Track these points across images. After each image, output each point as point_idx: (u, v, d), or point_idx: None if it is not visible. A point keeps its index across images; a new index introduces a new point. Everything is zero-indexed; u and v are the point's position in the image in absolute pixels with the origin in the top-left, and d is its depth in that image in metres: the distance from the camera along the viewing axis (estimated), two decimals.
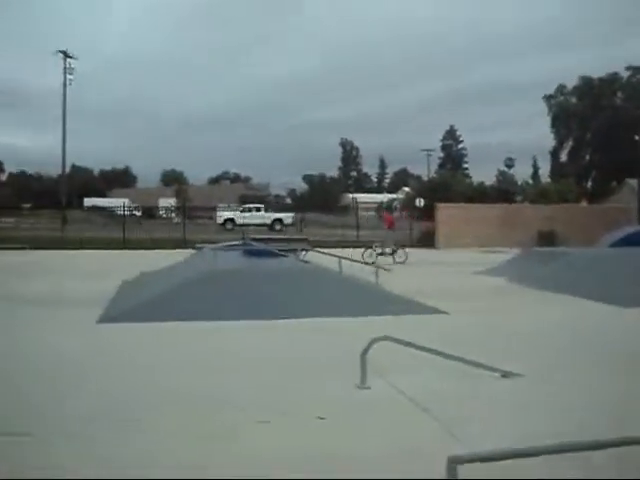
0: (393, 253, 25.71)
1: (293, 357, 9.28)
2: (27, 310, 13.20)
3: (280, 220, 57.69)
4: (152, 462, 5.30)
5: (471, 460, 4.57)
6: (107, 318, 12.09)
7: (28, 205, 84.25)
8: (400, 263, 23.01)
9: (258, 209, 62.90)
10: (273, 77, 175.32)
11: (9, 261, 25.68)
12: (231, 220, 57.64)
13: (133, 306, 12.91)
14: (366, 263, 21.22)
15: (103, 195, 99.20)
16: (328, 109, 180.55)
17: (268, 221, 56.15)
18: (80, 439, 5.79)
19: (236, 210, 62.49)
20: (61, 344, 9.94)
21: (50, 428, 6.08)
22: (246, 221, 55.95)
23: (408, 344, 7.86)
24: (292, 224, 57.23)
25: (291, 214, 61.37)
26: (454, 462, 4.41)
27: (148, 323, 11.40)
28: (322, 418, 6.43)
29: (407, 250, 25.39)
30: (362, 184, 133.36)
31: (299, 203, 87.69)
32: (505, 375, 7.90)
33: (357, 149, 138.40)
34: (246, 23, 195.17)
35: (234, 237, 28.77)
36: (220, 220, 58.31)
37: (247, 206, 64.28)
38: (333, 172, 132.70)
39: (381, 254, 25.07)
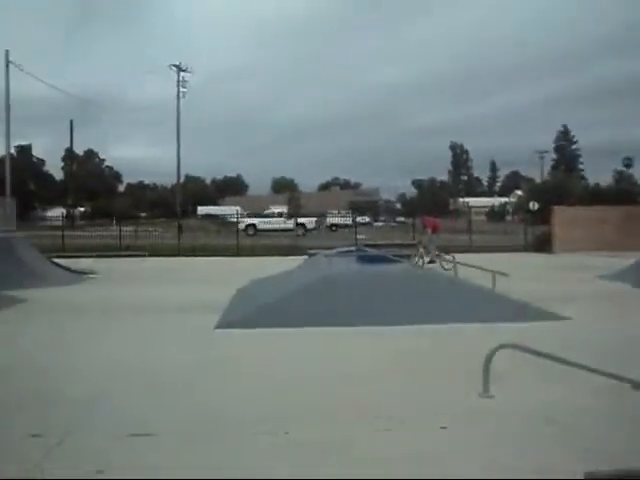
0: (425, 257, 24.18)
1: (413, 364, 9.13)
2: (148, 316, 13.58)
3: (303, 225, 57.35)
4: (271, 468, 5.30)
5: (609, 477, 4.33)
6: (224, 324, 12.25)
7: (145, 214, 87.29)
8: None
9: (280, 214, 62.95)
10: (384, 83, 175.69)
11: (130, 268, 26.55)
12: (252, 226, 57.86)
13: (249, 312, 13.04)
14: None
15: (215, 203, 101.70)
16: (438, 113, 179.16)
17: (290, 226, 55.87)
18: (200, 440, 5.86)
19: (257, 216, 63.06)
20: (181, 350, 10.16)
21: (176, 429, 6.20)
22: (267, 226, 56.41)
23: (531, 351, 7.58)
24: (315, 229, 56.98)
25: (313, 219, 61.49)
26: (590, 478, 4.19)
27: (264, 329, 11.49)
28: (444, 427, 6.28)
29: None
30: (473, 188, 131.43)
31: (409, 208, 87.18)
32: (635, 386, 7.49)
33: (467, 152, 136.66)
34: (357, 31, 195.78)
35: (346, 243, 28.80)
36: (242, 226, 58.73)
37: (269, 211, 64.50)
38: (443, 176, 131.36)
39: (431, 261, 23.91)
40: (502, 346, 7.57)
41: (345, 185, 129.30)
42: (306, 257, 23.83)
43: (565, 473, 4.88)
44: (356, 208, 73.02)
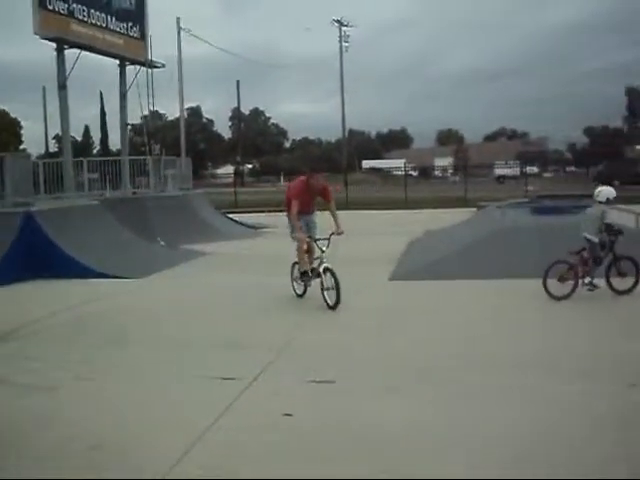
0: None
1: (601, 316, 8.91)
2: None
3: None
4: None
5: None
6: (397, 276, 12.40)
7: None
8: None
9: None
10: (553, 24, 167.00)
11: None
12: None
13: (420, 264, 13.12)
14: None
15: (380, 157, 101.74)
16: (611, 55, 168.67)
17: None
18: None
19: None
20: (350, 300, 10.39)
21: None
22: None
23: None
24: None
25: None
26: None
27: (437, 281, 11.53)
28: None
29: None
30: None
31: (580, 157, 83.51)
32: None
33: None
34: None
35: (517, 195, 28.10)
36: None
37: None
38: (617, 123, 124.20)
39: None
40: None
41: (512, 135, 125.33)
42: (475, 209, 23.49)
43: None
44: (524, 159, 70.50)
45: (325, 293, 9.77)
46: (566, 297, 9.69)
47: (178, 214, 21.10)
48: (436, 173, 75.61)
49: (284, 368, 6.87)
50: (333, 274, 9.60)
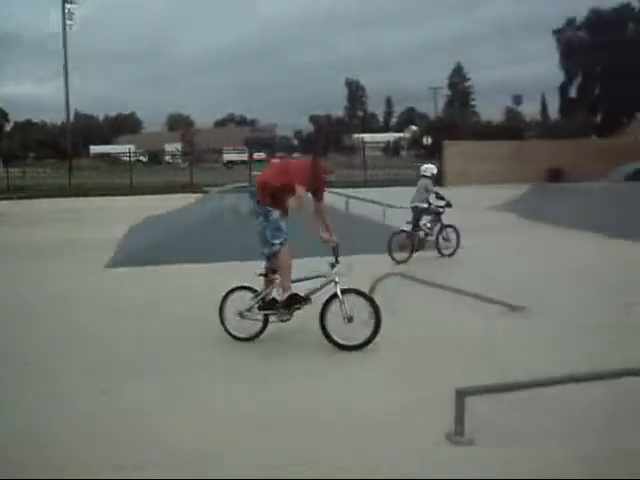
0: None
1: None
2: (44, 256, 13.40)
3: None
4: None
5: (478, 392, 4.57)
6: (114, 263, 12.15)
7: (33, 154, 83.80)
8: None
9: None
10: (279, 16, 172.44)
11: (21, 210, 25.71)
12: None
13: (137, 251, 12.98)
14: None
15: (109, 142, 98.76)
16: (334, 49, 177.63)
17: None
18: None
19: None
20: (70, 288, 10.02)
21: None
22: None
23: (416, 279, 7.82)
24: None
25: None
26: (462, 394, 4.41)
27: (152, 266, 11.52)
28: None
29: None
30: (369, 124, 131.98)
31: (305, 144, 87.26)
32: (514, 309, 7.85)
33: (363, 89, 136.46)
34: None
35: (242, 179, 28.65)
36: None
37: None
38: (339, 112, 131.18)
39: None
40: (388, 275, 7.77)
41: (241, 122, 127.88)
42: (201, 194, 23.63)
43: (439, 391, 5.09)
44: (253, 144, 72.07)
45: (330, 328, 6.61)
46: (405, 261, 11.79)
47: None
48: (166, 158, 74.92)
49: None
50: (369, 298, 6.69)
